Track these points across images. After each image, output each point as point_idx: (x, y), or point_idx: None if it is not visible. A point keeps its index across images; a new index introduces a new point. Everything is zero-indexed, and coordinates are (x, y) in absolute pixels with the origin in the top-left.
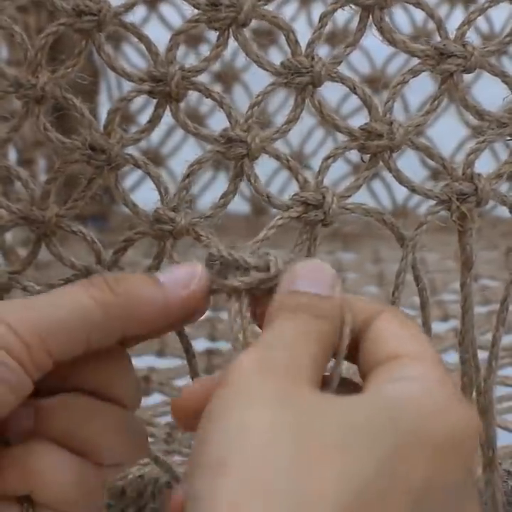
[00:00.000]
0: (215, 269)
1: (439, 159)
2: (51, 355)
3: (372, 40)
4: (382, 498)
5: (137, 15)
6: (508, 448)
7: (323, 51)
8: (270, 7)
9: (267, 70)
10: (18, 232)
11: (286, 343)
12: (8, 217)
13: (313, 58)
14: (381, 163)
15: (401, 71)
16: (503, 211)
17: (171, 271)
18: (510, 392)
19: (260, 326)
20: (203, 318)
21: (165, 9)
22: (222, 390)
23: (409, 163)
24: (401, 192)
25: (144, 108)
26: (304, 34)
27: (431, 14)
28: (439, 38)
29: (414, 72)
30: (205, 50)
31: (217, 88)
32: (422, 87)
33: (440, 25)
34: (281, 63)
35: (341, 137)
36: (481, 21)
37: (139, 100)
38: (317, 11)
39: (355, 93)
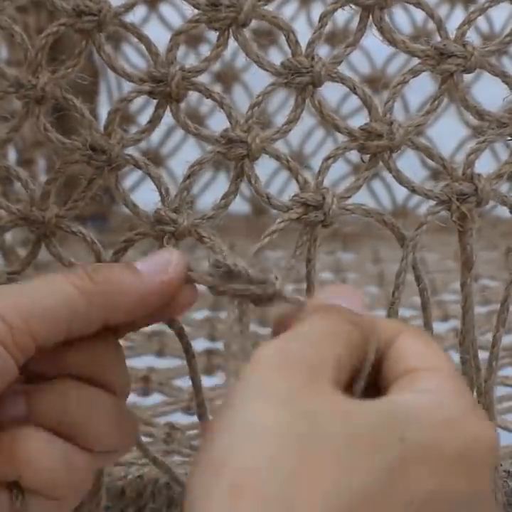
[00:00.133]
0: (218, 274)
1: (439, 159)
2: (34, 338)
3: (372, 40)
4: (377, 506)
5: (137, 15)
6: (508, 448)
7: (323, 51)
8: (270, 7)
9: (267, 70)
10: (17, 233)
11: (313, 340)
12: (7, 218)
13: (313, 58)
14: (381, 163)
15: (401, 71)
16: (503, 211)
17: (148, 258)
18: (510, 392)
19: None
20: (202, 318)
21: (165, 9)
22: (237, 386)
23: (409, 163)
24: (401, 192)
25: (143, 108)
26: (303, 34)
27: (431, 14)
28: (439, 38)
29: (415, 72)
30: (205, 50)
31: (217, 88)
32: (422, 87)
33: (440, 25)
34: (282, 63)
35: (341, 137)
36: (481, 21)
37: (138, 100)
38: (317, 10)
39: (355, 93)
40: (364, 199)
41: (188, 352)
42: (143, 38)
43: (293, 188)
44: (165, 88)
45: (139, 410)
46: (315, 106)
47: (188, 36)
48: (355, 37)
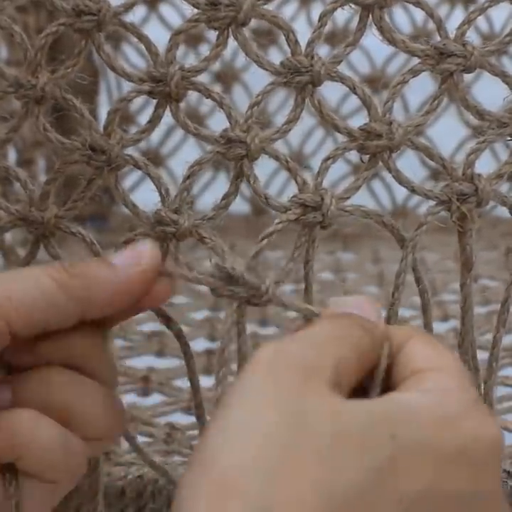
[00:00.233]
0: (219, 276)
1: (439, 159)
2: (10, 325)
3: (372, 39)
4: (367, 508)
5: (137, 15)
6: (507, 449)
7: (323, 51)
8: (270, 6)
9: (267, 70)
10: (17, 233)
11: (315, 342)
12: (7, 219)
13: (312, 58)
14: (381, 163)
15: (401, 71)
16: (503, 211)
17: (121, 252)
18: (510, 393)
19: None
20: (202, 318)
21: (164, 9)
22: (235, 385)
23: (409, 163)
24: (401, 192)
25: (143, 108)
26: (303, 34)
27: (431, 14)
28: (439, 38)
29: (414, 72)
30: (204, 49)
31: (217, 88)
32: (422, 87)
33: (440, 25)
34: (281, 63)
35: (341, 137)
36: (481, 21)
37: (138, 100)
38: (317, 10)
39: (355, 93)
40: (364, 199)
41: (186, 352)
42: (142, 38)
43: (293, 189)
44: (164, 88)
45: (139, 410)
46: (314, 105)
47: (187, 36)
48: (354, 36)
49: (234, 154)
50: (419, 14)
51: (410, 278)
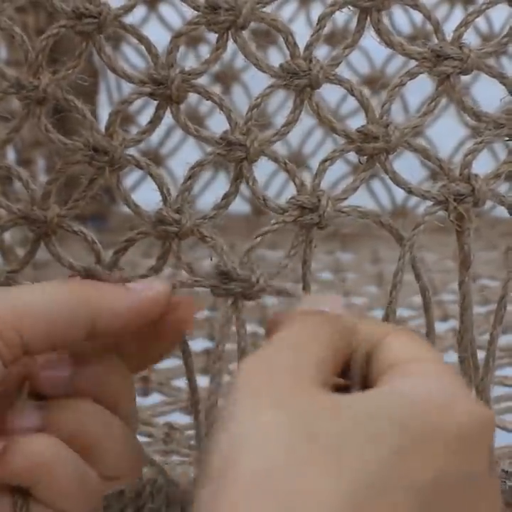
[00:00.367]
0: (215, 274)
1: (436, 160)
2: (21, 336)
3: (371, 40)
4: (382, 496)
5: (137, 15)
6: (506, 448)
7: (322, 51)
8: (269, 8)
9: (266, 73)
10: (16, 232)
11: (293, 344)
12: (8, 217)
13: (311, 61)
14: (378, 164)
15: (400, 71)
16: (501, 211)
17: (135, 282)
18: (508, 392)
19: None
20: (201, 318)
21: (164, 9)
22: (229, 397)
23: (408, 163)
24: (400, 192)
25: (143, 109)
26: (303, 35)
27: (428, 16)
28: (436, 40)
29: (412, 75)
30: (204, 50)
31: (217, 89)
32: (421, 88)
33: (437, 27)
34: (280, 66)
35: (340, 138)
36: (480, 22)
37: (138, 101)
38: (316, 11)
39: (353, 95)
40: (363, 199)
41: (184, 351)
42: (143, 40)
43: (292, 189)
44: (165, 90)
45: (139, 410)
46: (313, 108)
47: (187, 36)
48: (353, 38)
49: (234, 157)
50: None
51: (410, 278)
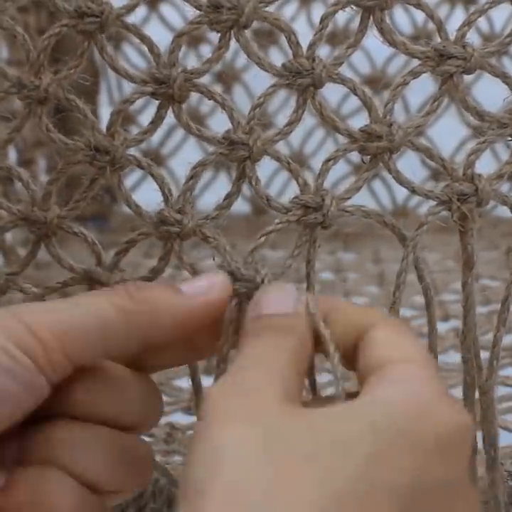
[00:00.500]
0: None
1: (439, 160)
2: (68, 357)
3: (373, 40)
4: (362, 501)
5: (138, 15)
6: (509, 448)
7: (324, 51)
8: (271, 7)
9: (268, 72)
10: (17, 233)
11: (255, 363)
12: (8, 218)
13: (314, 60)
14: (381, 164)
15: (402, 71)
16: (503, 211)
17: (191, 280)
18: (510, 392)
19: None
20: None
21: (165, 9)
22: (199, 420)
23: (410, 163)
24: (401, 192)
25: (144, 108)
26: (304, 34)
27: (431, 15)
28: (439, 39)
29: (415, 74)
30: (205, 50)
31: (218, 88)
32: (423, 88)
33: (440, 27)
34: (283, 65)
35: (342, 138)
36: (482, 22)
37: (139, 100)
38: (317, 10)
39: (356, 94)
40: (365, 199)
41: None
42: (145, 40)
43: (293, 188)
44: (167, 90)
45: None
46: (316, 107)
47: (189, 36)
48: (355, 38)
49: (236, 156)
50: (420, 15)
51: (411, 278)
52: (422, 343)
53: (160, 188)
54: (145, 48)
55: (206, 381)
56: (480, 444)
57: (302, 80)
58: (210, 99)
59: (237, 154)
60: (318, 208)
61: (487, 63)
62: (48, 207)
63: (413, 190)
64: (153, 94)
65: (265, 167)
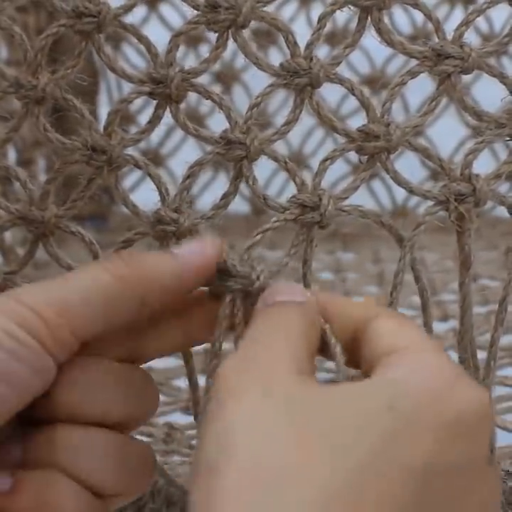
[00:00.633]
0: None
1: (437, 160)
2: (72, 331)
3: (372, 40)
4: (377, 479)
5: (137, 15)
6: (507, 448)
7: (323, 51)
8: (270, 8)
9: (266, 72)
10: (17, 232)
11: (265, 340)
12: (6, 217)
13: (311, 60)
14: (379, 164)
15: (401, 71)
16: (502, 211)
17: (182, 245)
18: (509, 392)
19: None
20: None
21: (165, 9)
22: (211, 400)
23: (409, 163)
24: (401, 192)
25: (143, 108)
26: (303, 35)
27: (428, 15)
28: (437, 39)
29: (412, 74)
30: (204, 50)
31: (217, 88)
32: (421, 88)
33: (438, 27)
34: (280, 65)
35: (341, 138)
36: (481, 22)
37: (138, 100)
38: (316, 11)
39: (353, 94)
40: (364, 199)
41: (185, 351)
42: (143, 39)
43: (292, 189)
44: (165, 89)
45: None
46: (313, 107)
47: (187, 36)
48: (353, 38)
49: (233, 155)
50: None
51: (410, 278)
52: (424, 331)
53: (157, 187)
54: (144, 48)
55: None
56: None
57: (299, 79)
58: (207, 99)
59: (234, 154)
60: (315, 207)
61: (485, 63)
62: (46, 206)
63: (411, 190)
64: (151, 94)
65: (265, 167)
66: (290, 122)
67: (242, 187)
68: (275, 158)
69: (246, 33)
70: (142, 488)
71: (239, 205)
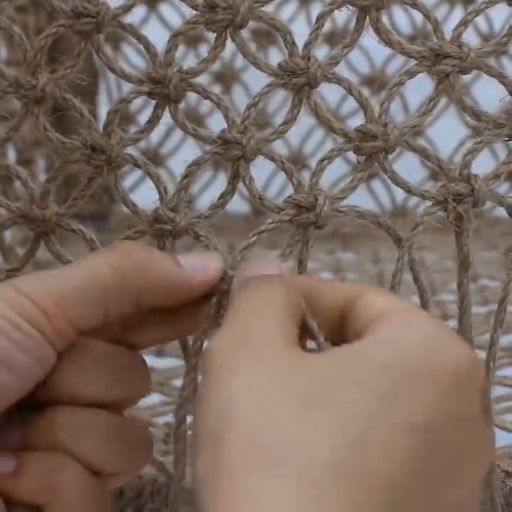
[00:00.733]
0: None
1: (436, 160)
2: (70, 321)
3: (371, 40)
4: (384, 440)
5: (137, 15)
6: (506, 448)
7: (322, 51)
8: (269, 7)
9: (264, 72)
10: (16, 231)
11: (250, 314)
12: (7, 216)
13: (309, 59)
14: (377, 164)
15: (400, 71)
16: (501, 211)
17: (190, 255)
18: (508, 392)
19: None
20: None
21: (164, 9)
22: (204, 376)
23: (408, 163)
24: (400, 192)
25: (143, 108)
26: (303, 35)
27: (427, 15)
28: (436, 39)
29: (411, 74)
30: (204, 50)
31: (217, 88)
32: (421, 88)
33: (436, 26)
34: (278, 64)
35: (340, 138)
36: (480, 22)
37: (138, 100)
38: (316, 10)
39: (351, 94)
40: (363, 199)
41: (186, 349)
42: (141, 39)
43: (291, 190)
44: (163, 89)
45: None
46: (311, 107)
47: (187, 36)
48: (352, 38)
49: (230, 155)
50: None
51: (409, 278)
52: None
53: (156, 186)
54: (143, 48)
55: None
56: None
57: (297, 79)
58: (206, 99)
59: (230, 153)
60: (311, 207)
61: (484, 63)
62: (47, 205)
63: (409, 191)
64: (150, 94)
65: (265, 167)
66: (288, 122)
67: (242, 187)
68: (272, 158)
69: (245, 33)
70: (140, 467)
71: (238, 205)
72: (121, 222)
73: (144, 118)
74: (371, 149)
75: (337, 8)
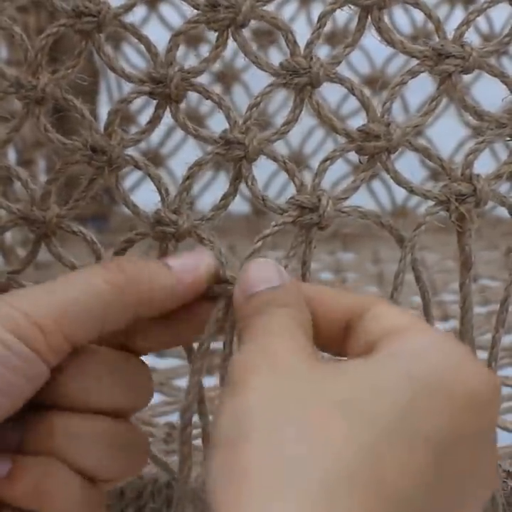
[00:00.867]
0: None
1: (438, 160)
2: (67, 338)
3: (372, 40)
4: (399, 450)
5: (137, 15)
6: (507, 448)
7: (323, 51)
8: (270, 7)
9: (266, 71)
10: (17, 233)
11: (267, 334)
12: (8, 218)
13: (311, 59)
14: (379, 164)
15: (401, 71)
16: (503, 211)
17: (179, 257)
18: (509, 393)
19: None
20: None
21: (165, 9)
22: (225, 387)
23: (409, 163)
24: (401, 192)
25: (144, 108)
26: (303, 34)
27: (429, 15)
28: (437, 39)
29: (413, 73)
30: (205, 49)
31: (218, 88)
32: (422, 88)
33: (438, 26)
34: (280, 64)
35: (342, 138)
36: (481, 22)
37: (139, 100)
38: (317, 10)
39: (353, 94)
40: (364, 199)
41: (189, 351)
42: (142, 39)
43: (293, 190)
44: (164, 89)
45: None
46: (313, 107)
47: (188, 36)
48: (354, 37)
49: (232, 156)
50: (419, 14)
51: (410, 278)
52: None
53: (157, 188)
54: (144, 48)
55: (207, 381)
56: None
57: (299, 79)
58: (207, 99)
59: (232, 154)
60: (314, 208)
61: (485, 63)
62: (47, 206)
63: (411, 190)
64: (151, 94)
65: (266, 168)
66: (290, 122)
67: (243, 187)
68: (274, 159)
69: (246, 32)
70: (136, 472)
71: (240, 206)
72: (121, 223)
73: (144, 118)
74: (374, 149)
75: (339, 8)
